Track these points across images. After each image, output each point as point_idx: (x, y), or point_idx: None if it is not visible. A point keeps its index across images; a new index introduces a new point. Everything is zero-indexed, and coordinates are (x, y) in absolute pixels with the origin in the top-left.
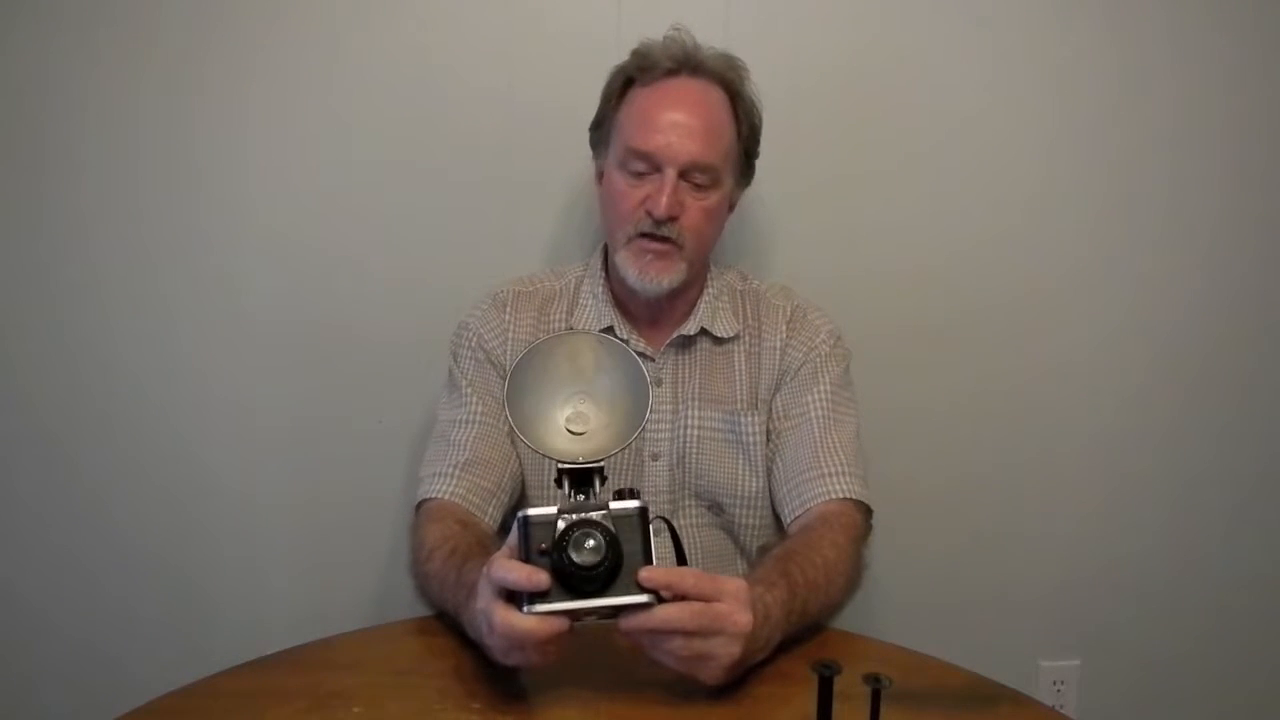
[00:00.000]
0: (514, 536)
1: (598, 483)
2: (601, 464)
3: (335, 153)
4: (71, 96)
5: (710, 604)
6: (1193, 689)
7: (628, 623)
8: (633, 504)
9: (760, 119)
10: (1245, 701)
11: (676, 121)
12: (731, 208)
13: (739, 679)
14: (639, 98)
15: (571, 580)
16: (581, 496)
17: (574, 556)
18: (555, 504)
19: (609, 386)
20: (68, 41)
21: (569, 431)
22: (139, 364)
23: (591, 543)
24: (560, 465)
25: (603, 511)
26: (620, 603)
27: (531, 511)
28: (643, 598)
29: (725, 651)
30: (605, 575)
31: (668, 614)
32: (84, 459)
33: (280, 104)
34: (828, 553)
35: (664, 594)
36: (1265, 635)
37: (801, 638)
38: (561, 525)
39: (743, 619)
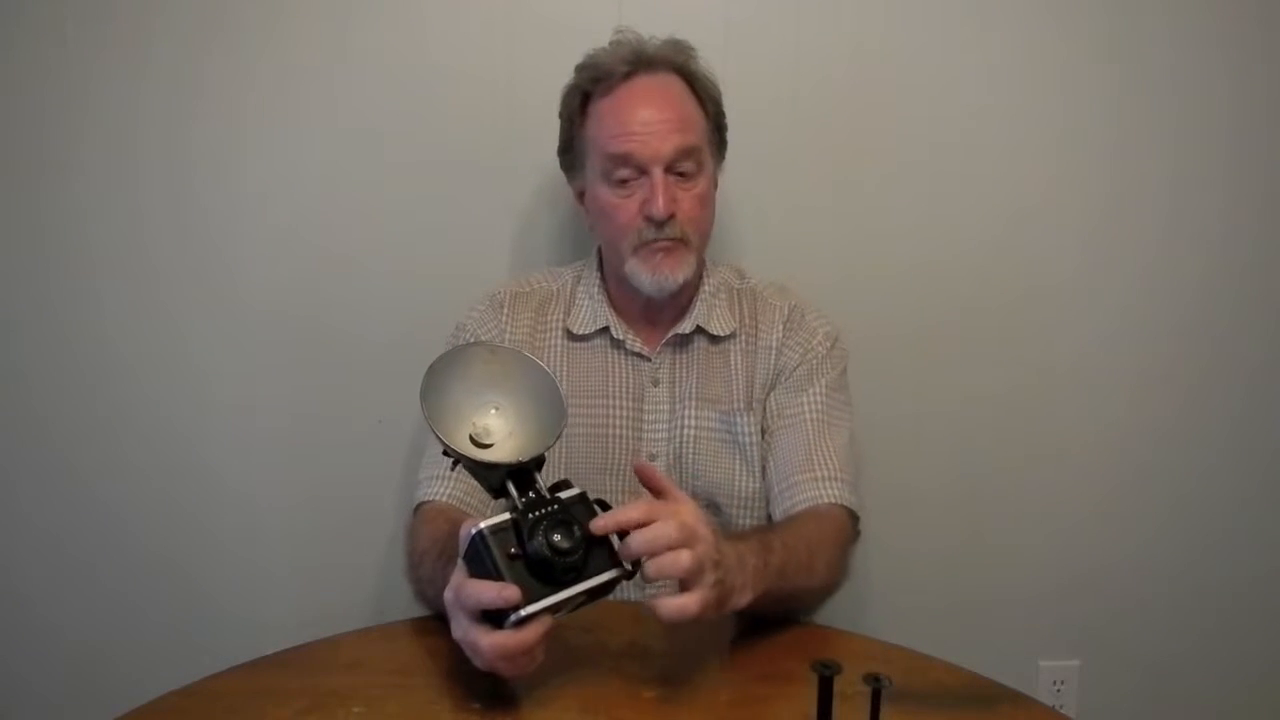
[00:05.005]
0: (463, 554)
1: (539, 479)
2: (542, 459)
3: (334, 152)
4: (72, 96)
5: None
6: (1193, 689)
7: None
8: (575, 490)
9: (719, 91)
10: (1245, 701)
11: (649, 120)
12: (714, 186)
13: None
14: (603, 108)
15: (553, 571)
16: (531, 494)
17: (558, 543)
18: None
19: (507, 394)
20: (68, 41)
21: (476, 444)
22: (139, 364)
23: (564, 529)
24: (484, 468)
25: (557, 502)
26: (599, 581)
27: (485, 523)
28: (614, 572)
29: (705, 552)
30: (582, 559)
31: (655, 532)
32: (83, 458)
33: (279, 104)
34: (810, 530)
35: (628, 565)
36: (1265, 635)
37: (795, 623)
38: (529, 521)
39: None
